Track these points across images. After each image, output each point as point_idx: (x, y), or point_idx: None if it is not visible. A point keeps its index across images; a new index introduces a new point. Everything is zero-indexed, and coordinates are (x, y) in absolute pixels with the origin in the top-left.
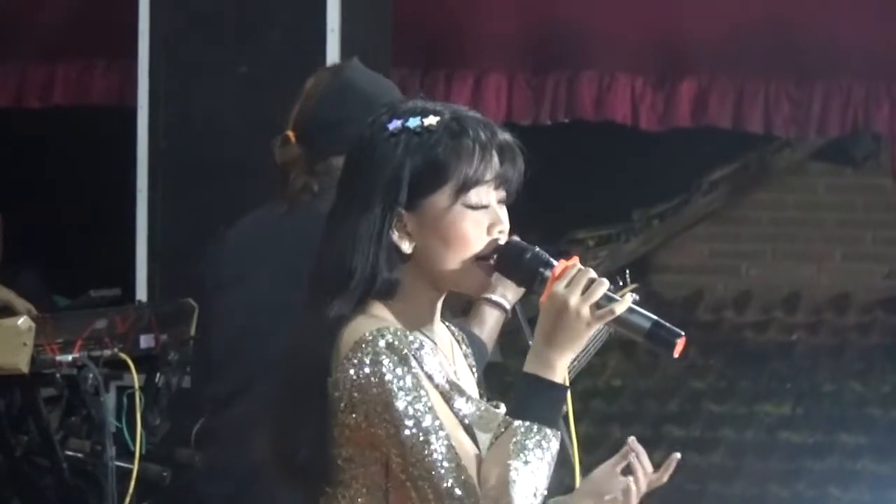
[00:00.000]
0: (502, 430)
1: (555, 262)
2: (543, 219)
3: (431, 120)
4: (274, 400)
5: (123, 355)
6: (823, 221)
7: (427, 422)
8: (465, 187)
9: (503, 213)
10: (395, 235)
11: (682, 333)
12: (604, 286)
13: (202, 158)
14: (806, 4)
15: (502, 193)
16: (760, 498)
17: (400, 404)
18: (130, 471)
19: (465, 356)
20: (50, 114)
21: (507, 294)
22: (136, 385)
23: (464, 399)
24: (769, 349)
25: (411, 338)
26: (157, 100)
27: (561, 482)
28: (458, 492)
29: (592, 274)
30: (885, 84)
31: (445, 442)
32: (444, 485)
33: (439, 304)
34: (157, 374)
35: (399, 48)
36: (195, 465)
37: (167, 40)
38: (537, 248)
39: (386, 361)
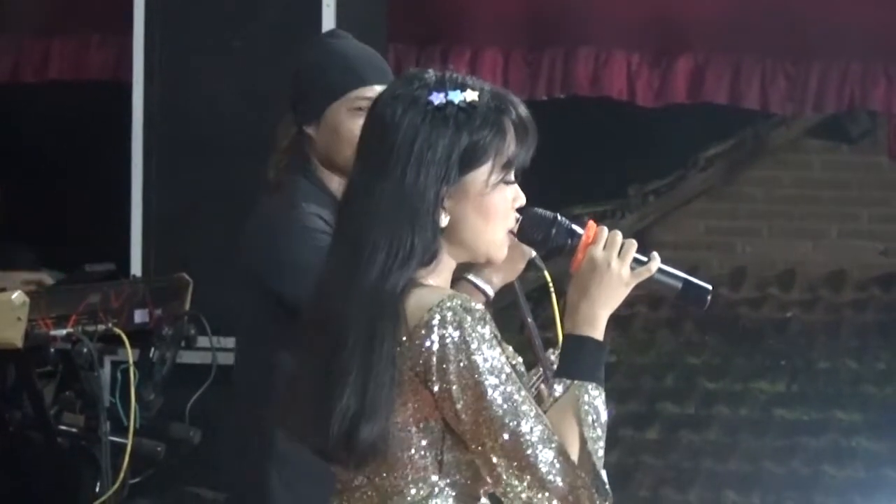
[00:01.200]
0: (560, 392)
1: (579, 230)
2: (539, 194)
3: (473, 95)
4: (316, 377)
5: (118, 330)
6: (819, 199)
7: (517, 393)
8: (508, 165)
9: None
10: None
11: (710, 287)
12: (634, 247)
13: (197, 133)
14: None
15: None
16: (755, 475)
17: (483, 369)
18: (124, 446)
19: None
20: (45, 88)
21: (493, 279)
22: (131, 360)
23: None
24: (764, 326)
25: (476, 306)
26: (151, 75)
27: None
28: (555, 461)
29: (621, 236)
30: (882, 62)
31: (528, 401)
32: (542, 456)
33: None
34: (152, 349)
35: (395, 23)
36: (189, 439)
37: (162, 15)
38: (560, 217)
39: (466, 325)
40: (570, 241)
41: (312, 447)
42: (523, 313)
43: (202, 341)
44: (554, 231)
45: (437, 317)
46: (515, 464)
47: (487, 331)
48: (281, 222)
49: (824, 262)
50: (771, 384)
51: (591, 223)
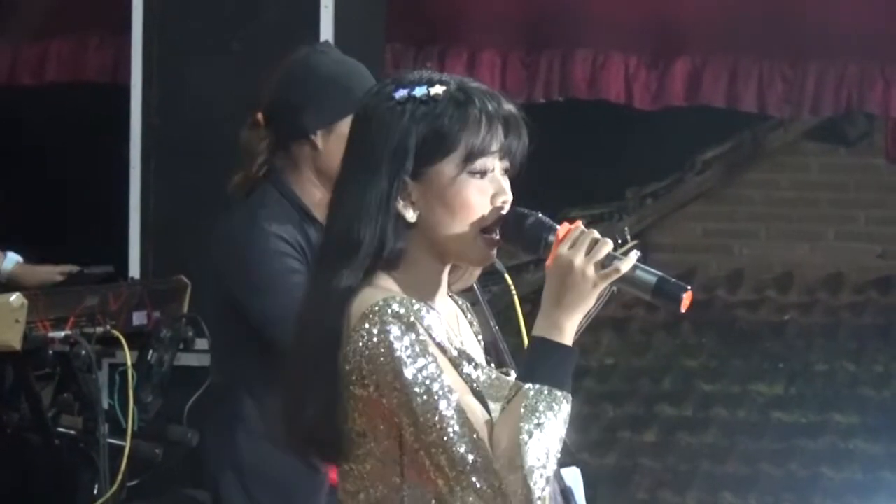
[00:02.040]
0: (513, 394)
1: (557, 226)
2: (537, 197)
3: (438, 89)
4: (285, 373)
5: (116, 332)
6: (817, 201)
7: (436, 388)
8: (471, 156)
9: (507, 183)
10: (401, 204)
11: (688, 287)
12: (608, 246)
13: (195, 135)
14: None
15: (506, 164)
16: (752, 477)
17: (409, 372)
18: (122, 448)
19: (471, 324)
20: (43, 91)
21: (450, 287)
22: (129, 362)
23: (472, 366)
24: (762, 329)
25: (417, 306)
26: (150, 77)
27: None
28: (470, 456)
29: (596, 235)
30: (879, 64)
31: (456, 406)
32: (457, 449)
33: (444, 276)
34: (150, 352)
35: (393, 25)
36: (187, 441)
37: (160, 17)
38: (539, 214)
39: (394, 330)
40: (546, 237)
41: (286, 447)
42: (488, 318)
43: (200, 344)
44: (529, 226)
45: (369, 319)
46: (444, 463)
47: (416, 335)
48: (246, 236)
49: (822, 264)
50: (769, 386)
51: (566, 223)
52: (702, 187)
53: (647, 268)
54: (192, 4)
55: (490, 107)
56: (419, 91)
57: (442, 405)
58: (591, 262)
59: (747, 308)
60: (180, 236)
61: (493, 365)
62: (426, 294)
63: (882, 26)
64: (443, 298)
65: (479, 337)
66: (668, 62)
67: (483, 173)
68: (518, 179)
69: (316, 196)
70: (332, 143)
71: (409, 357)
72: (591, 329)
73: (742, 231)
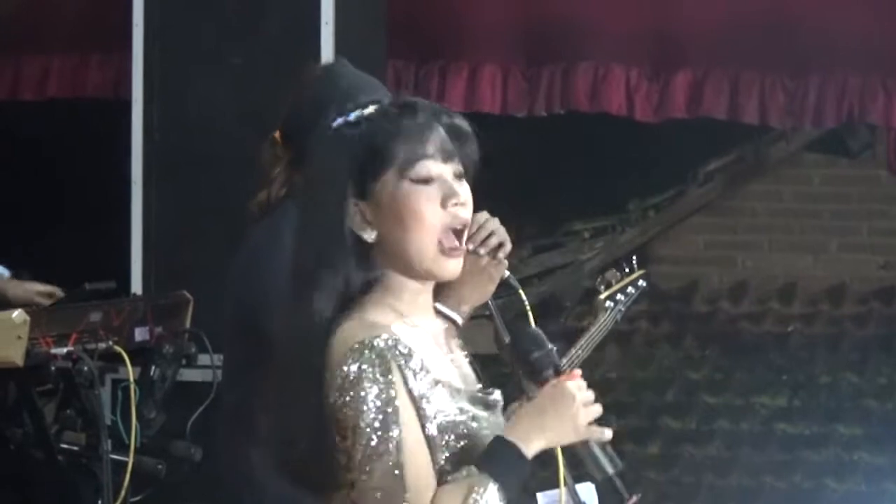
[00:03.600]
0: (461, 475)
1: (561, 367)
2: (539, 210)
3: (370, 109)
4: (268, 400)
5: (118, 348)
6: (819, 212)
7: (384, 440)
8: (407, 163)
9: (461, 186)
10: (356, 225)
11: (636, 497)
12: (597, 412)
13: (196, 151)
14: None
15: (458, 167)
16: (756, 490)
17: (368, 413)
18: (125, 463)
19: (461, 347)
20: (45, 106)
21: (462, 305)
22: (131, 378)
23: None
24: (765, 340)
25: (404, 350)
26: (151, 92)
27: None
28: None
29: (595, 401)
30: (881, 75)
31: (395, 462)
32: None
33: (424, 294)
34: (152, 367)
35: (394, 40)
36: (190, 457)
37: (161, 32)
38: (551, 347)
39: (370, 372)
40: (546, 374)
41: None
42: (500, 333)
43: (203, 359)
44: (538, 360)
45: (351, 356)
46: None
47: (388, 384)
48: (268, 257)
49: (825, 275)
50: (772, 398)
51: (577, 371)
52: (704, 199)
53: (613, 455)
54: (193, 20)
55: (423, 115)
56: (353, 116)
57: (383, 458)
58: (586, 414)
59: (750, 320)
60: (182, 251)
61: (481, 384)
62: (408, 312)
63: (883, 38)
64: (428, 316)
65: (468, 357)
66: (669, 74)
67: (427, 180)
68: (518, 196)
69: None
70: None
71: (372, 404)
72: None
73: (745, 243)
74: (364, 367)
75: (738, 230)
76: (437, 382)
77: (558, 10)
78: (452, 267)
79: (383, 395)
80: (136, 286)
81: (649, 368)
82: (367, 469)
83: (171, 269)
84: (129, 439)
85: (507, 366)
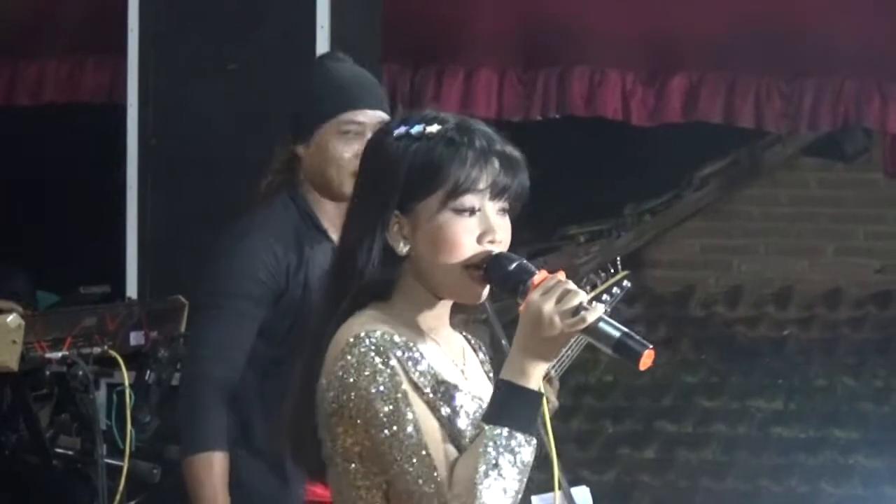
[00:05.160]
0: (475, 434)
1: (537, 272)
2: (535, 215)
3: (433, 127)
4: (287, 394)
5: (113, 352)
6: (815, 216)
7: (406, 425)
8: (455, 192)
9: (502, 223)
10: (390, 236)
11: (650, 346)
12: (578, 297)
13: (192, 155)
14: (797, 1)
15: (504, 204)
16: (753, 493)
17: (379, 406)
18: (120, 468)
19: (482, 363)
20: (40, 111)
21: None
22: (126, 382)
23: (463, 393)
24: (761, 344)
25: (399, 340)
26: (146, 97)
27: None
28: (427, 489)
29: (570, 286)
30: (876, 79)
31: (422, 445)
32: (416, 486)
33: (445, 312)
34: (147, 372)
35: (389, 44)
36: None
37: (157, 37)
38: (523, 260)
39: (370, 362)
40: (526, 284)
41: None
42: (497, 337)
43: None
44: (513, 273)
45: (349, 351)
46: (405, 497)
47: (391, 371)
48: (221, 249)
49: (821, 279)
50: (768, 402)
51: (543, 271)
52: (700, 203)
53: (614, 322)
54: (189, 24)
55: (479, 144)
56: (416, 128)
57: (406, 441)
58: (559, 312)
59: (746, 324)
60: (178, 256)
61: None
62: (425, 327)
63: (879, 42)
64: (446, 332)
65: (491, 375)
66: (665, 79)
67: (471, 211)
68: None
69: (327, 208)
70: (312, 154)
71: (379, 393)
72: (590, 346)
73: (741, 247)
74: (364, 358)
75: (734, 234)
76: (441, 382)
77: (554, 14)
78: (478, 294)
79: (389, 383)
80: (132, 290)
81: (645, 372)
82: (397, 460)
83: (167, 274)
84: (125, 444)
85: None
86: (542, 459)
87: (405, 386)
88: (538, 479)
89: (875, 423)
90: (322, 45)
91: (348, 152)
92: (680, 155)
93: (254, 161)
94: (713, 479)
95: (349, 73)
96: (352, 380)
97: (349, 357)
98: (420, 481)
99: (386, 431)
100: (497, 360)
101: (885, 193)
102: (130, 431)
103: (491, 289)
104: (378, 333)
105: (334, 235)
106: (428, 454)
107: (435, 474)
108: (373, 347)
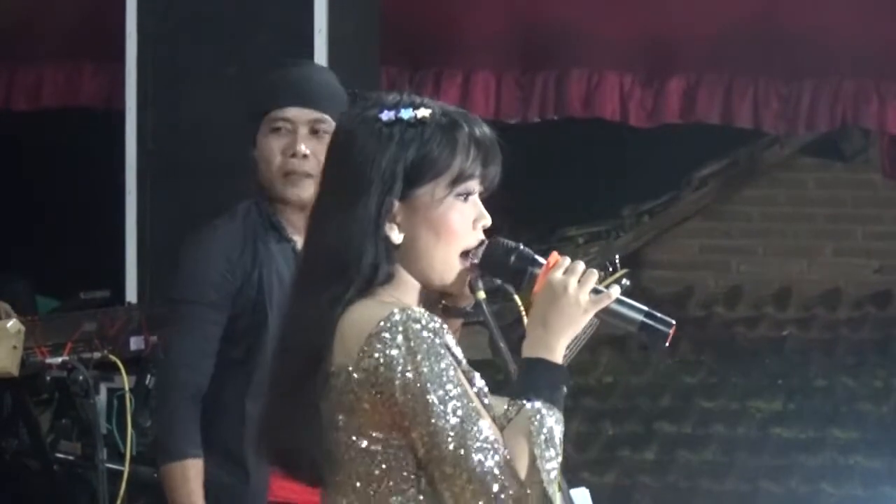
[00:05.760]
0: (514, 412)
1: (541, 259)
2: (534, 216)
3: (424, 112)
4: (270, 391)
5: (113, 357)
6: (813, 217)
7: (463, 404)
8: (458, 180)
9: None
10: (387, 226)
11: (673, 322)
12: (595, 276)
13: (190, 160)
14: (795, 1)
15: (481, 188)
16: (753, 494)
17: (434, 387)
18: (121, 472)
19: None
20: (38, 116)
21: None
22: (127, 387)
23: (478, 376)
24: (760, 345)
25: (437, 319)
26: (144, 102)
27: None
28: (498, 472)
29: (582, 265)
30: (874, 80)
31: (484, 422)
32: (486, 466)
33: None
34: (148, 376)
35: (387, 47)
36: None
37: (155, 42)
38: (522, 246)
39: (416, 332)
40: (531, 270)
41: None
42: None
43: None
44: (514, 259)
45: (383, 331)
46: (464, 475)
47: (436, 342)
48: (184, 252)
49: (819, 280)
50: (767, 403)
51: (555, 253)
52: (698, 204)
53: (633, 302)
54: (187, 29)
55: (476, 132)
56: (406, 113)
57: (469, 421)
58: (584, 288)
59: (745, 324)
60: (177, 260)
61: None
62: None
63: (877, 43)
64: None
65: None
66: (663, 80)
67: (467, 196)
68: (512, 201)
69: (287, 211)
70: (256, 156)
71: (432, 369)
72: (589, 347)
73: (739, 247)
74: (408, 332)
75: (733, 235)
76: (460, 361)
77: (552, 16)
78: (464, 285)
79: (436, 348)
80: (131, 295)
81: (645, 373)
82: (471, 433)
83: (166, 278)
84: (125, 448)
85: (502, 371)
86: None
87: (450, 358)
88: None
89: (874, 423)
90: (320, 48)
91: (276, 149)
92: (678, 156)
93: (251, 165)
94: (713, 479)
95: (294, 74)
96: (402, 357)
97: (388, 333)
98: (485, 456)
99: (442, 405)
100: (497, 362)
101: (883, 193)
102: (131, 436)
103: (484, 279)
104: (416, 310)
105: (296, 237)
106: (486, 425)
107: (493, 438)
108: (414, 319)
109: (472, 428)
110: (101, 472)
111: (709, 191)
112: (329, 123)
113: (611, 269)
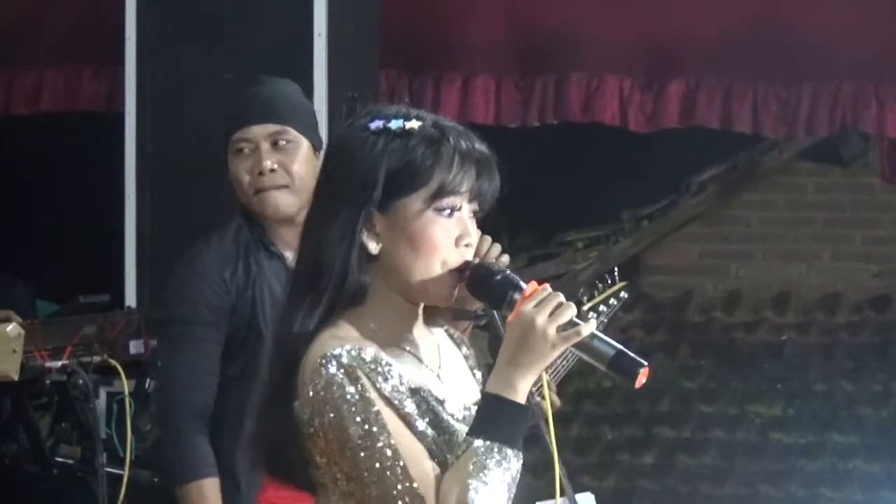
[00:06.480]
0: (463, 449)
1: (524, 285)
2: (533, 221)
3: (413, 123)
4: (255, 403)
5: (113, 361)
6: (812, 221)
7: (380, 443)
8: (439, 193)
9: (473, 226)
10: (365, 235)
11: (646, 363)
12: (571, 310)
13: (190, 164)
14: (794, 5)
15: (475, 207)
16: (752, 499)
17: (352, 428)
18: (121, 476)
19: (466, 358)
20: (38, 120)
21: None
22: (126, 391)
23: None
24: (759, 349)
25: (367, 356)
26: (144, 106)
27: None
28: None
29: (561, 298)
30: (873, 84)
31: (399, 463)
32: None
33: (417, 310)
34: (147, 380)
35: (387, 52)
36: None
37: (154, 46)
38: (508, 271)
39: (338, 382)
40: (511, 295)
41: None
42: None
43: None
44: (498, 285)
45: (319, 370)
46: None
47: (361, 389)
48: (177, 271)
49: (819, 284)
50: (767, 407)
51: (533, 283)
52: (698, 209)
53: (607, 339)
54: (186, 33)
55: (463, 146)
56: (394, 124)
57: (386, 461)
58: (553, 324)
59: (745, 329)
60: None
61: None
62: (397, 329)
63: (876, 46)
64: (420, 333)
65: (475, 371)
66: (662, 84)
67: (450, 212)
68: (512, 206)
69: (278, 228)
70: (232, 181)
71: (351, 414)
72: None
73: (738, 252)
74: (332, 380)
75: (732, 239)
76: (415, 391)
77: (551, 21)
78: (450, 296)
79: (360, 403)
80: (131, 299)
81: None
82: (376, 480)
83: (165, 282)
84: (125, 452)
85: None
86: (545, 465)
87: (377, 405)
88: (539, 485)
89: (874, 427)
90: (319, 53)
91: (243, 170)
92: (677, 160)
93: None
94: (712, 484)
95: (250, 93)
96: (323, 403)
97: (318, 381)
98: (406, 499)
99: (362, 453)
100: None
101: (882, 198)
102: (131, 440)
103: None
104: (345, 352)
105: (287, 252)
106: (406, 472)
107: (415, 486)
108: (340, 368)
109: (390, 470)
110: (101, 475)
111: (708, 195)
112: (291, 133)
113: (609, 281)
